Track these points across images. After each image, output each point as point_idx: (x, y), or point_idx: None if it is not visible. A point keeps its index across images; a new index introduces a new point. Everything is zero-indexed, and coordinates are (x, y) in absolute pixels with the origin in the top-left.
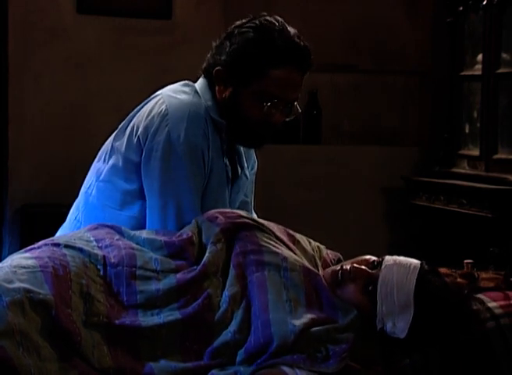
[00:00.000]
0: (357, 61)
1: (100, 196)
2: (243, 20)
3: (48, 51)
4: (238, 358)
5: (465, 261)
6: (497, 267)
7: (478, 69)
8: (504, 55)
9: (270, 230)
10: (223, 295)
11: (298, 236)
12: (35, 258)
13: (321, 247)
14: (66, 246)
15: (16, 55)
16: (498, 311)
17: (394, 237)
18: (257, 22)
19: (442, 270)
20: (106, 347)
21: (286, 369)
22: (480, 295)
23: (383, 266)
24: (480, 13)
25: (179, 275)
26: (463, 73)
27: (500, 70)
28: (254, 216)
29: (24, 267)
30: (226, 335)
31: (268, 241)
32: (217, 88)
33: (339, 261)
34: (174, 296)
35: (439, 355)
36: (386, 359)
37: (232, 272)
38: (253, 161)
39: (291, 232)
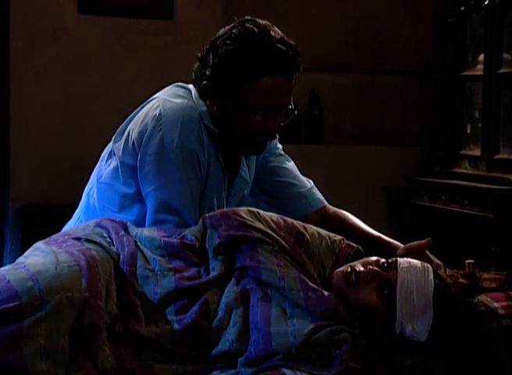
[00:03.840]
0: (358, 61)
1: (100, 198)
2: (226, 28)
3: (49, 51)
4: (238, 366)
5: (467, 261)
6: (499, 267)
7: (479, 70)
8: (506, 55)
9: (273, 239)
10: (220, 302)
11: (310, 232)
12: (68, 253)
13: (337, 240)
14: (87, 240)
15: (17, 55)
16: (500, 312)
17: (395, 237)
18: (236, 32)
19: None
20: (108, 347)
21: (286, 371)
22: (482, 296)
23: (399, 269)
24: (482, 13)
25: (177, 279)
26: (464, 73)
27: (502, 70)
28: (308, 184)
29: (62, 262)
30: (224, 344)
31: (268, 255)
32: (207, 102)
33: (356, 254)
34: (172, 299)
35: (442, 355)
36: (387, 358)
37: (231, 281)
38: (269, 147)
39: (302, 230)
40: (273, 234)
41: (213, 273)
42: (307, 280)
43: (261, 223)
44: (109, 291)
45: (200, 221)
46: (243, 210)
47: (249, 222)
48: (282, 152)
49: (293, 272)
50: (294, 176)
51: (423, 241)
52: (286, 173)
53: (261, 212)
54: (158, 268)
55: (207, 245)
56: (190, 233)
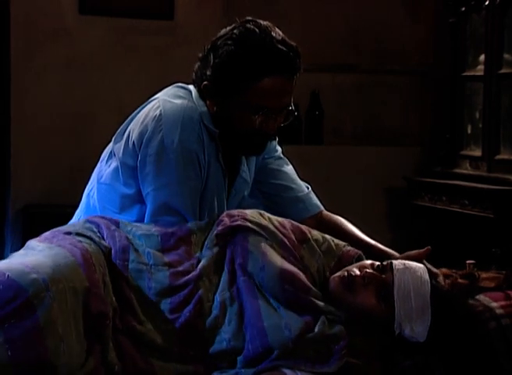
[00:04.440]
0: (358, 61)
1: (100, 198)
2: (227, 28)
3: (50, 51)
4: (238, 365)
5: (467, 261)
6: (499, 268)
7: (480, 70)
8: (506, 56)
9: (270, 232)
10: (214, 300)
11: (313, 234)
12: (61, 246)
13: (341, 245)
14: (78, 234)
15: (18, 55)
16: (499, 311)
17: (396, 237)
18: (237, 32)
19: (443, 271)
20: (111, 341)
21: (287, 371)
22: (481, 296)
23: (395, 271)
24: (482, 14)
25: (171, 274)
26: (465, 74)
27: (502, 71)
28: (305, 189)
29: (57, 254)
30: (221, 343)
31: (257, 244)
32: (208, 102)
33: (358, 259)
34: (166, 295)
35: (441, 355)
36: (386, 357)
37: (224, 277)
38: (267, 149)
39: (305, 230)
40: (271, 227)
41: (203, 262)
42: (291, 269)
43: (264, 220)
44: (106, 282)
45: (207, 220)
46: (249, 210)
47: (249, 217)
48: (282, 156)
49: (277, 261)
50: (292, 179)
51: (422, 250)
52: (284, 176)
53: (266, 213)
54: (152, 262)
55: (206, 241)
56: (191, 225)
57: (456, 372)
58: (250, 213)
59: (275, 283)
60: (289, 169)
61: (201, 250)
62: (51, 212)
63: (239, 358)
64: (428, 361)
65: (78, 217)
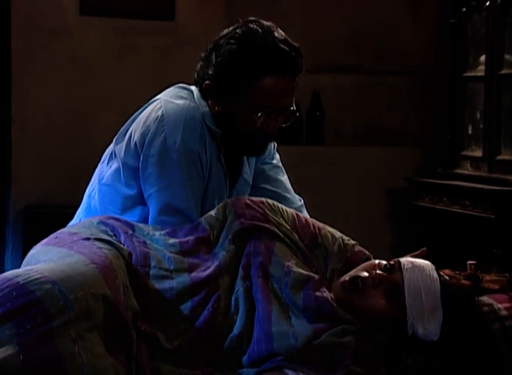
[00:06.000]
0: (359, 62)
1: (101, 199)
2: (230, 28)
3: (51, 52)
4: (244, 362)
5: (468, 262)
6: (500, 268)
7: (481, 70)
8: (507, 56)
9: (293, 240)
10: (231, 299)
11: (323, 234)
12: (81, 253)
13: (350, 244)
14: (97, 239)
15: (18, 56)
16: (503, 313)
17: (397, 238)
18: (239, 32)
19: (446, 272)
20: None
21: (289, 372)
22: (485, 297)
23: (404, 270)
24: (483, 14)
25: (193, 276)
26: (466, 74)
27: (503, 71)
28: (299, 201)
29: (76, 262)
30: (231, 340)
31: (284, 249)
32: (209, 102)
33: (366, 260)
34: (188, 294)
35: (445, 354)
36: (391, 359)
37: (240, 273)
38: (267, 153)
39: (316, 231)
40: (294, 236)
41: (224, 257)
42: (315, 279)
43: (283, 218)
44: (127, 286)
45: (220, 207)
46: (264, 200)
47: (272, 218)
48: (279, 164)
49: (303, 270)
50: (287, 189)
51: (417, 252)
52: (279, 185)
53: (276, 203)
54: (173, 267)
55: (224, 232)
56: (205, 221)
57: (457, 370)
58: (268, 210)
59: (301, 288)
60: (285, 179)
61: (218, 242)
62: (52, 213)
63: (244, 358)
64: (430, 359)
65: (79, 218)
